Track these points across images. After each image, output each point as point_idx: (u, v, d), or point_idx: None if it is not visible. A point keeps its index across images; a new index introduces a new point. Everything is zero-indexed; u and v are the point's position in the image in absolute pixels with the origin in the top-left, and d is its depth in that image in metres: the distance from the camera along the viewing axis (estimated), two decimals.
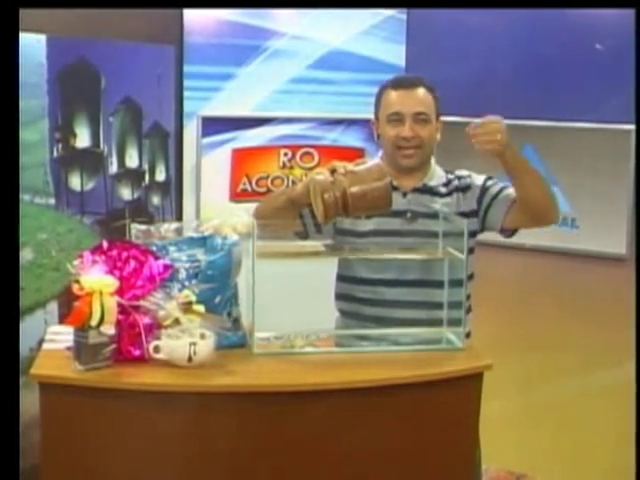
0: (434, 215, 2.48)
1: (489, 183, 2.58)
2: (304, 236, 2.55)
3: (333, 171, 2.28)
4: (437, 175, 2.60)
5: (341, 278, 2.62)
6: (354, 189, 2.24)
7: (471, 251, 2.47)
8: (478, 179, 2.59)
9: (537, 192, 2.44)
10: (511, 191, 2.52)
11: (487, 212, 2.55)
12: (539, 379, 3.69)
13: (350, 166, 2.30)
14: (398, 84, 2.56)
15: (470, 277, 2.54)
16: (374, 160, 2.53)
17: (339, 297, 2.63)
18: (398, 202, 2.48)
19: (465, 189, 2.58)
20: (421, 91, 2.53)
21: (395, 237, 2.50)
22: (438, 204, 2.54)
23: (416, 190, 2.57)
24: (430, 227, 2.48)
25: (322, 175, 2.29)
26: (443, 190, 2.58)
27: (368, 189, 2.25)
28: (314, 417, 2.12)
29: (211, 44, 3.65)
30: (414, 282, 2.50)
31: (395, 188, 2.49)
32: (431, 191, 2.57)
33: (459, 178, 2.60)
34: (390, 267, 2.50)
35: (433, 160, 2.62)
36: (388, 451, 2.16)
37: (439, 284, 2.42)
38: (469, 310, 2.54)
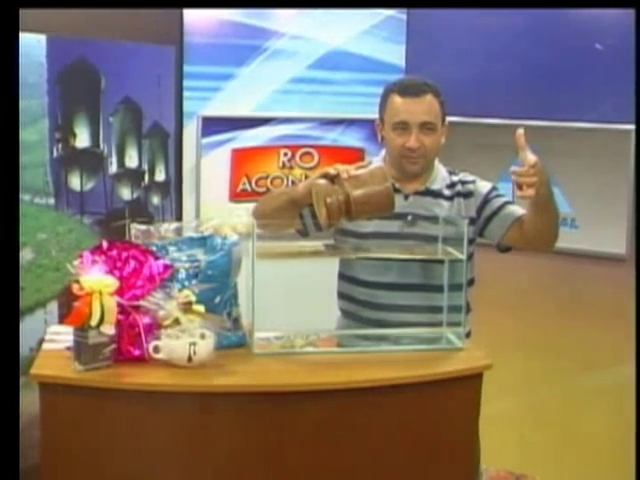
0: (435, 218, 2.46)
1: (492, 195, 2.54)
2: (304, 234, 2.55)
3: (336, 175, 2.27)
4: (440, 177, 2.58)
5: (342, 277, 2.62)
6: (357, 193, 2.23)
7: (470, 257, 2.46)
8: (483, 187, 2.56)
9: (549, 228, 2.43)
10: (513, 209, 2.50)
11: (486, 225, 2.53)
12: (539, 379, 3.68)
13: (352, 170, 2.29)
14: (405, 91, 2.49)
15: (470, 282, 2.53)
16: (376, 163, 2.52)
17: (341, 296, 2.63)
18: (399, 204, 2.44)
19: (467, 195, 2.56)
20: (428, 99, 2.48)
21: (395, 239, 2.49)
22: (439, 208, 2.52)
23: (418, 193, 2.55)
24: (431, 230, 2.46)
25: (325, 179, 2.28)
26: (446, 193, 2.56)
27: (371, 193, 2.24)
28: (314, 417, 2.12)
29: (211, 44, 3.66)
30: (414, 286, 2.50)
31: (397, 190, 2.48)
32: (433, 194, 2.56)
33: (463, 183, 2.57)
34: (390, 270, 2.50)
35: (437, 161, 2.59)
36: (388, 451, 2.16)
37: (439, 288, 2.41)
38: (468, 310, 2.53)
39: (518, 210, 2.50)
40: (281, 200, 2.48)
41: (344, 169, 2.28)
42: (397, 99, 2.50)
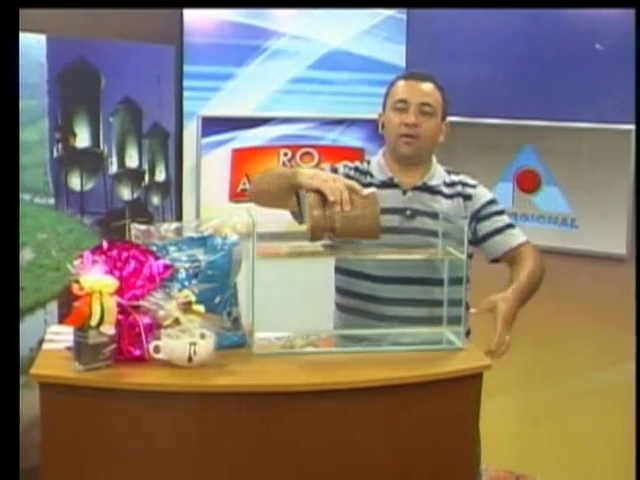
0: (433, 214, 2.48)
1: (493, 209, 2.59)
2: (299, 218, 2.52)
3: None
4: (438, 175, 2.60)
5: (340, 271, 2.61)
6: (345, 213, 2.23)
7: (470, 256, 2.46)
8: (483, 196, 2.59)
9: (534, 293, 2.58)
10: (516, 233, 2.58)
11: (485, 239, 2.57)
12: (539, 379, 3.69)
13: (346, 194, 2.23)
14: (409, 75, 2.60)
15: (467, 281, 2.54)
16: (374, 159, 2.53)
17: (338, 290, 2.62)
18: (398, 199, 2.51)
19: (467, 197, 2.58)
20: (430, 85, 2.55)
21: (394, 234, 2.49)
22: (438, 204, 2.53)
23: (416, 188, 2.57)
24: (429, 225, 2.48)
25: (325, 181, 2.27)
26: (445, 191, 2.58)
27: (359, 216, 2.23)
28: (314, 417, 2.11)
29: (211, 44, 3.66)
30: (413, 279, 2.50)
31: (396, 185, 2.51)
32: (431, 190, 2.57)
33: (463, 184, 2.59)
34: (389, 264, 2.50)
35: (434, 159, 2.62)
36: (388, 451, 2.17)
37: (439, 282, 2.41)
38: (467, 308, 2.53)
39: (513, 240, 2.57)
40: (282, 183, 2.42)
41: (339, 193, 2.22)
42: (400, 82, 2.58)
